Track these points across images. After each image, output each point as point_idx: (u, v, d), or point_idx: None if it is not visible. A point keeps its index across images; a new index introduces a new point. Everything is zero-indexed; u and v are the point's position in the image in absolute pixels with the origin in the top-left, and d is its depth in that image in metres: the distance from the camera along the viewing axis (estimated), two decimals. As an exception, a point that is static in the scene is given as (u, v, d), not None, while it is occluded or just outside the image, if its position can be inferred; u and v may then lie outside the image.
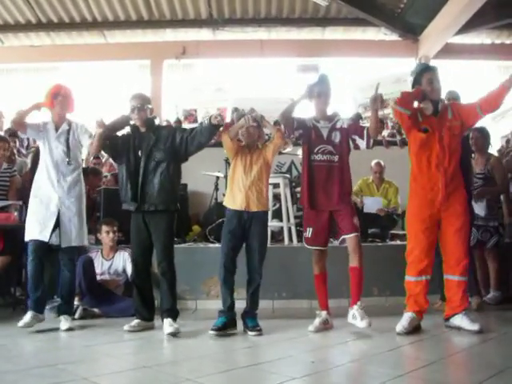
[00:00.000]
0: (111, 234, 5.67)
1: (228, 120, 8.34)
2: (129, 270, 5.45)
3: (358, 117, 9.61)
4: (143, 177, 4.57)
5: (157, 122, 5.11)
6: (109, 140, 4.76)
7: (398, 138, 8.86)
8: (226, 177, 6.46)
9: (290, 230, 6.65)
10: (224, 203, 4.78)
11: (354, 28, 12.73)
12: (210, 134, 4.57)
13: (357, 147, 4.67)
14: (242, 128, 4.65)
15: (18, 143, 7.93)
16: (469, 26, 10.97)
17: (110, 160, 7.69)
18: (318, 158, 4.63)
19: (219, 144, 4.83)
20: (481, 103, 4.43)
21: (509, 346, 4.03)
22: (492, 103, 4.39)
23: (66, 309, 4.80)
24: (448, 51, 11.92)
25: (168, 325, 4.41)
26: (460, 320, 4.35)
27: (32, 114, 4.84)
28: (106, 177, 7.89)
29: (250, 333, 4.43)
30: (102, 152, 5.26)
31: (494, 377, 3.05)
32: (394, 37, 12.59)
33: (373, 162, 7.42)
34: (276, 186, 6.69)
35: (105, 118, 4.81)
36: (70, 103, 4.98)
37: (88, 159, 7.59)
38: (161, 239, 4.58)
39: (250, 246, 4.58)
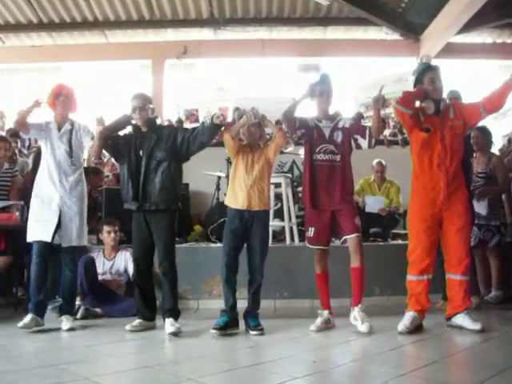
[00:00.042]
0: (112, 234, 5.67)
1: (230, 120, 8.34)
2: (130, 270, 5.45)
3: (360, 116, 9.60)
4: (144, 176, 4.57)
5: (158, 121, 5.11)
6: (110, 140, 4.77)
7: (400, 137, 8.87)
8: (227, 176, 6.46)
9: (291, 229, 6.65)
10: (225, 202, 4.78)
11: (356, 27, 12.71)
12: (211, 133, 4.57)
13: (359, 147, 4.67)
14: (244, 127, 4.65)
15: (19, 143, 7.93)
16: (470, 26, 10.95)
17: (112, 160, 7.68)
18: (320, 158, 4.63)
19: (221, 144, 4.83)
20: (484, 102, 4.42)
21: (510, 345, 4.02)
22: (495, 102, 4.38)
23: (67, 309, 4.80)
24: (449, 50, 11.90)
25: (169, 324, 4.41)
26: (462, 319, 4.34)
27: (34, 113, 4.84)
28: (107, 177, 7.89)
29: (251, 332, 4.43)
30: (104, 151, 5.26)
31: (496, 376, 3.05)
32: (395, 36, 12.57)
33: (374, 162, 7.41)
34: (278, 185, 6.69)
35: (106, 117, 4.82)
36: (73, 103, 4.99)
37: (90, 159, 7.60)
38: (162, 239, 4.58)
39: (251, 246, 4.58)
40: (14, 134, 7.45)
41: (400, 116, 4.63)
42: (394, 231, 7.07)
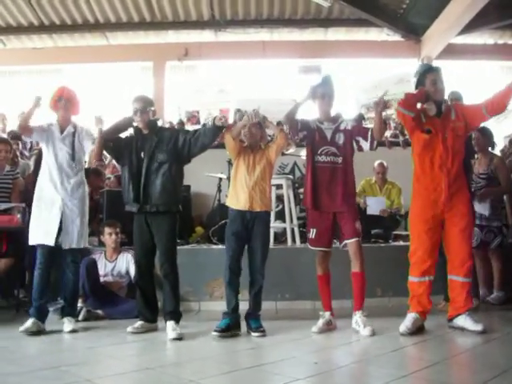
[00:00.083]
0: (114, 236, 5.67)
1: (231, 121, 8.35)
2: (132, 272, 5.45)
3: (361, 117, 9.57)
4: (145, 178, 4.57)
5: (159, 123, 5.12)
6: (112, 142, 4.78)
7: (401, 138, 8.85)
8: (228, 178, 6.46)
9: (292, 230, 6.65)
10: (227, 203, 4.78)
11: (357, 29, 12.71)
12: (213, 135, 4.57)
13: (360, 149, 4.68)
14: (245, 127, 4.65)
15: (20, 145, 7.95)
16: (471, 27, 10.95)
17: (113, 162, 7.69)
18: (322, 160, 4.63)
19: (222, 145, 4.83)
20: (487, 104, 4.41)
21: (512, 346, 4.03)
22: (498, 105, 4.37)
23: (69, 311, 4.81)
24: (450, 51, 11.91)
25: (171, 329, 4.40)
26: (463, 320, 4.34)
27: (36, 114, 4.83)
28: (109, 178, 7.90)
29: (253, 334, 4.43)
30: (105, 153, 5.27)
31: (498, 377, 3.05)
32: (396, 37, 12.57)
33: (376, 163, 7.41)
34: (279, 187, 6.69)
35: (107, 119, 4.82)
36: (75, 105, 4.98)
37: (91, 162, 7.60)
38: (163, 241, 4.59)
39: (252, 247, 4.57)
40: (16, 136, 7.46)
41: (402, 118, 4.63)
42: (396, 232, 7.06)
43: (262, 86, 13.15)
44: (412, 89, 4.77)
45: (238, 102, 11.08)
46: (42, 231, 4.67)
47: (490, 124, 5.53)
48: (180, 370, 3.44)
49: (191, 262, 5.78)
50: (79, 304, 5.13)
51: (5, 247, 5.64)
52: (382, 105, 4.55)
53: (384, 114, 4.98)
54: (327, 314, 4.62)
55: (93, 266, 5.45)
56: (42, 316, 4.64)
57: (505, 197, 6.08)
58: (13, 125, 9.17)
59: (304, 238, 5.95)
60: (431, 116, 4.53)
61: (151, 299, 4.73)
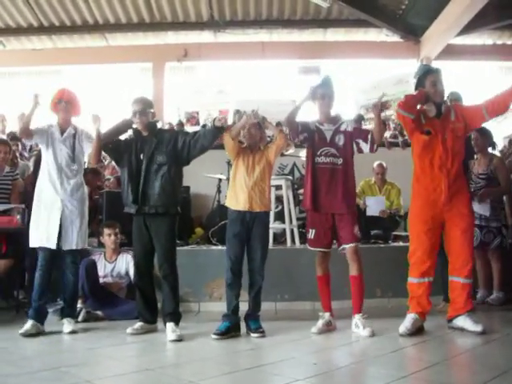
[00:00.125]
0: (113, 237, 5.67)
1: (230, 122, 8.35)
2: (132, 273, 5.44)
3: (361, 118, 9.61)
4: (144, 179, 4.57)
5: (159, 125, 5.12)
6: (112, 144, 4.78)
7: (400, 139, 8.86)
8: (228, 179, 6.45)
9: (292, 231, 6.65)
10: (226, 204, 4.77)
11: (356, 29, 12.74)
12: (213, 136, 4.57)
13: (360, 151, 4.67)
14: (244, 128, 4.65)
15: (20, 146, 7.95)
16: (470, 27, 10.97)
17: (113, 163, 7.70)
18: (321, 161, 4.63)
19: (221, 146, 4.83)
20: (487, 105, 4.40)
21: (512, 346, 4.03)
22: (499, 106, 4.36)
23: (69, 312, 4.81)
24: (450, 52, 11.93)
25: (171, 331, 4.39)
26: (463, 321, 4.34)
27: (36, 115, 4.82)
28: (108, 179, 7.90)
29: (252, 335, 4.43)
30: (104, 154, 5.27)
31: (498, 378, 3.05)
32: (395, 38, 12.59)
33: (375, 164, 7.41)
34: (278, 187, 6.69)
35: (105, 119, 4.82)
36: (75, 107, 4.98)
37: (90, 163, 7.60)
38: (162, 242, 4.58)
39: (251, 248, 4.57)
40: (15, 137, 7.46)
41: (401, 120, 4.62)
42: (395, 233, 7.06)
43: (262, 86, 13.18)
44: (411, 89, 4.77)
45: (237, 102, 11.07)
46: (43, 234, 4.67)
47: (490, 124, 5.52)
48: (180, 371, 3.44)
49: (191, 263, 5.78)
50: (79, 305, 5.13)
51: (4, 248, 5.64)
52: (379, 107, 4.57)
53: (383, 114, 5.00)
54: (327, 314, 4.62)
55: (92, 267, 5.45)
56: (41, 317, 4.64)
57: (504, 197, 6.08)
58: (12, 126, 9.19)
59: (303, 238, 5.95)
60: (431, 117, 4.53)
61: (151, 300, 4.73)
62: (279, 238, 7.04)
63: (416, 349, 3.99)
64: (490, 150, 5.95)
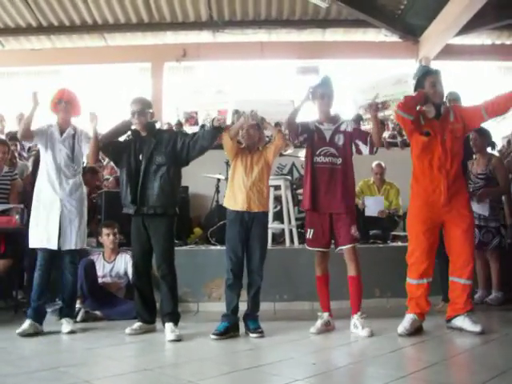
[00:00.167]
0: (111, 237, 5.66)
1: (229, 122, 8.35)
2: (130, 273, 5.44)
3: (359, 118, 9.61)
4: (143, 180, 4.56)
5: (158, 125, 5.11)
6: (111, 146, 4.78)
7: (399, 139, 8.87)
8: (226, 179, 6.46)
9: (291, 231, 6.65)
10: (224, 204, 4.76)
11: (355, 29, 12.75)
12: (212, 137, 4.57)
13: (359, 152, 4.66)
14: (243, 128, 4.65)
15: (18, 146, 7.93)
16: (469, 27, 10.98)
17: (112, 163, 7.70)
18: (320, 160, 4.62)
19: (220, 146, 4.83)
20: (487, 106, 4.39)
21: (511, 346, 4.02)
22: (500, 106, 4.35)
23: (67, 311, 4.80)
24: (448, 52, 11.94)
25: (170, 331, 4.39)
26: (462, 321, 4.34)
27: (36, 114, 4.81)
28: (107, 179, 7.90)
29: (251, 335, 4.43)
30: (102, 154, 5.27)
31: (497, 378, 3.05)
32: (394, 38, 12.61)
33: (374, 164, 7.41)
34: (277, 187, 6.69)
35: (104, 120, 4.82)
36: (75, 107, 4.97)
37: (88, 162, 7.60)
38: (160, 242, 4.58)
39: (250, 248, 4.56)
40: (14, 137, 7.45)
41: (401, 121, 4.61)
42: (394, 233, 7.07)
43: (260, 86, 13.19)
44: (410, 89, 4.77)
45: (236, 102, 11.11)
46: (43, 234, 4.67)
47: (489, 124, 5.52)
48: (178, 371, 3.44)
49: (189, 263, 5.78)
50: (77, 305, 5.12)
51: (3, 248, 5.63)
52: (375, 107, 4.57)
53: (382, 114, 5.00)
54: (325, 314, 4.62)
55: (91, 267, 5.45)
56: (39, 317, 4.64)
57: (503, 197, 6.08)
58: (11, 126, 9.19)
59: (302, 238, 5.95)
60: (430, 118, 4.53)
61: (149, 300, 4.72)
62: (278, 238, 7.04)
63: (415, 349, 3.99)
64: (489, 149, 5.95)
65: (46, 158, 4.82)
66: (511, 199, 6.11)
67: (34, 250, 4.80)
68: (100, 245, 5.90)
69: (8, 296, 5.90)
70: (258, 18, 12.39)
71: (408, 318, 4.38)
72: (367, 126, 7.04)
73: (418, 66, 6.83)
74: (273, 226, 6.60)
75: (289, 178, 7.24)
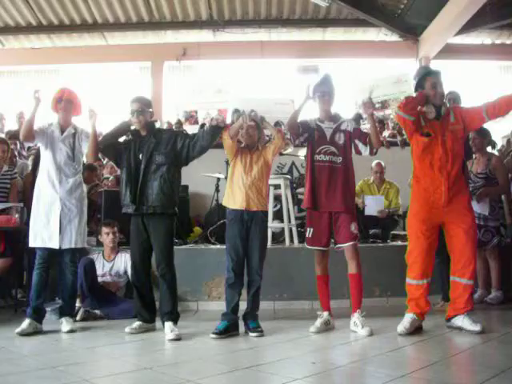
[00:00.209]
0: (111, 236, 5.66)
1: (229, 121, 8.35)
2: (130, 272, 5.44)
3: (359, 117, 9.58)
4: (143, 179, 4.56)
5: (157, 125, 5.11)
6: (111, 147, 4.78)
7: (399, 138, 8.85)
8: (226, 178, 6.46)
9: (290, 230, 6.65)
10: (223, 203, 4.76)
11: (355, 29, 12.76)
12: (211, 137, 4.57)
13: (358, 152, 4.67)
14: (242, 128, 4.65)
15: (18, 145, 7.93)
16: (469, 26, 10.99)
17: (111, 162, 7.70)
18: (320, 159, 4.62)
19: (220, 145, 4.83)
20: (488, 107, 4.39)
21: (510, 346, 4.01)
22: (502, 108, 4.34)
23: (67, 310, 4.80)
24: (448, 51, 11.94)
25: (169, 330, 4.39)
26: (461, 320, 4.34)
27: (37, 114, 4.81)
28: (107, 178, 7.89)
29: (251, 334, 4.43)
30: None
31: (496, 377, 3.05)
32: (394, 37, 12.61)
33: (373, 163, 7.40)
34: (277, 186, 6.69)
35: (104, 118, 4.81)
36: (76, 107, 4.97)
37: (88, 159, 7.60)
38: (159, 242, 4.58)
39: (250, 247, 4.56)
40: (13, 136, 7.45)
41: (402, 122, 4.60)
42: (394, 232, 7.07)
43: (260, 85, 13.18)
44: (409, 88, 4.76)
45: (236, 102, 11.07)
46: (44, 234, 4.67)
47: (488, 124, 5.52)
48: (178, 370, 3.43)
49: (189, 262, 5.78)
50: (77, 304, 5.13)
51: (3, 247, 5.63)
52: (369, 105, 4.57)
53: (381, 113, 4.99)
54: (325, 314, 4.62)
55: (91, 266, 5.44)
56: (39, 316, 4.64)
57: (503, 196, 6.08)
58: (11, 125, 9.19)
59: (302, 237, 5.95)
60: (430, 119, 4.52)
61: (148, 299, 4.72)
62: (278, 237, 7.04)
63: (414, 348, 3.99)
64: (489, 149, 5.94)
65: (46, 157, 4.81)
66: (511, 198, 6.11)
67: (33, 249, 4.80)
68: (100, 244, 5.89)
69: (8, 295, 5.91)
70: (258, 17, 12.40)
71: (408, 318, 4.38)
72: (367, 125, 7.01)
73: (418, 66, 6.83)
74: (273, 225, 6.60)
75: (288, 177, 7.24)
